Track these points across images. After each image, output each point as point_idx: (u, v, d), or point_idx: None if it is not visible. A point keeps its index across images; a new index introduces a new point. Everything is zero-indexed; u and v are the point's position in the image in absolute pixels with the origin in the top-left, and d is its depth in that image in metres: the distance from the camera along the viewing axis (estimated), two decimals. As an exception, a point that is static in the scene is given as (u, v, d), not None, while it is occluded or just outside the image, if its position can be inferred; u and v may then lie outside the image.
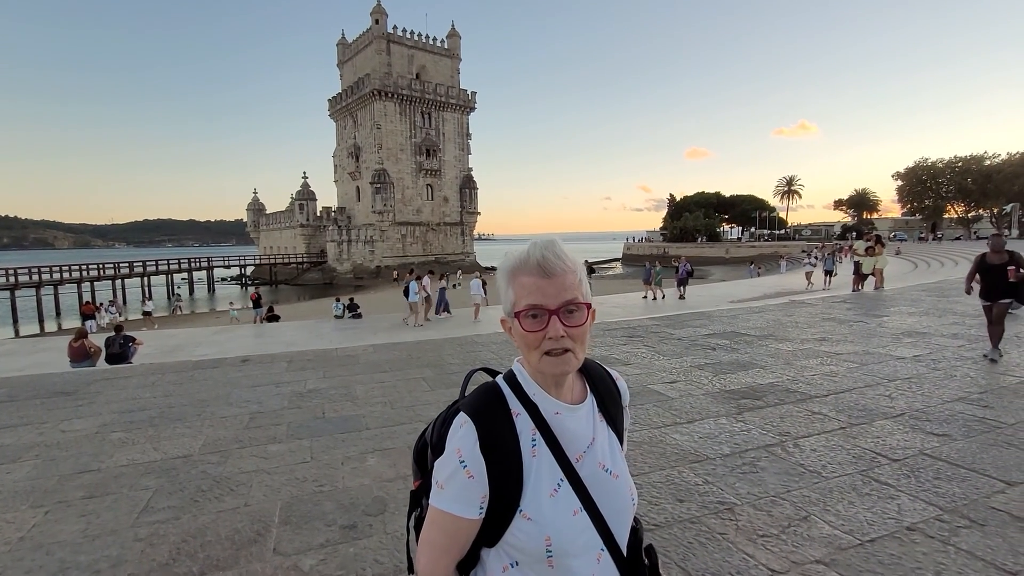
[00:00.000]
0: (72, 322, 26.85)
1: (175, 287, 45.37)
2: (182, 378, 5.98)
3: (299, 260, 57.01)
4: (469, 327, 13.45)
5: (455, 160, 59.06)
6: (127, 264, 44.84)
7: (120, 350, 10.05)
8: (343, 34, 60.89)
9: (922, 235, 62.13)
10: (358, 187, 56.80)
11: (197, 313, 35.13)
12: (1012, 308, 6.01)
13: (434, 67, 57.63)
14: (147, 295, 38.72)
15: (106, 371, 6.85)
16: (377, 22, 53.02)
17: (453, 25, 59.67)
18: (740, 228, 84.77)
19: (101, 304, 28.08)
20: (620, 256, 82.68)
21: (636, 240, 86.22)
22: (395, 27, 54.38)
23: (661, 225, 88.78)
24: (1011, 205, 53.33)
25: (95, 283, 40.35)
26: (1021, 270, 5.71)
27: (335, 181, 62.26)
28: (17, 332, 28.88)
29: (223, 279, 60.86)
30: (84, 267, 40.29)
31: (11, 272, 33.97)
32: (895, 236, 58.68)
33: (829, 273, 20.84)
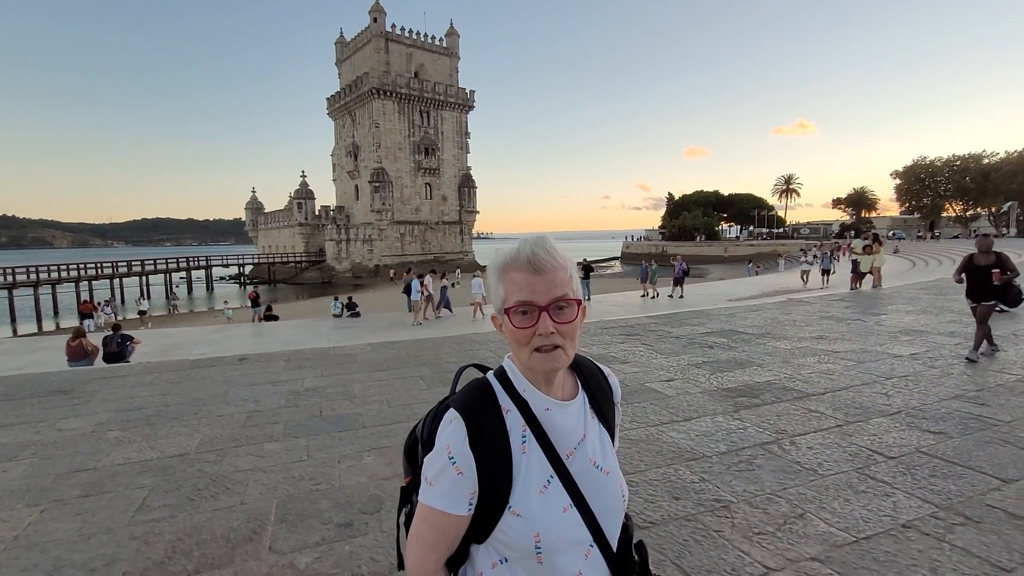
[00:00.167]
0: (70, 321, 26.78)
1: (173, 286, 45.31)
2: (179, 377, 5.98)
3: (298, 259, 56.95)
4: (468, 326, 13.46)
5: (454, 159, 59.01)
6: (125, 263, 44.76)
7: (118, 349, 10.04)
8: (341, 33, 60.78)
9: (920, 233, 62.22)
10: (357, 186, 56.75)
11: (193, 312, 35.06)
12: (997, 308, 5.95)
13: (432, 66, 57.55)
14: (144, 294, 38.67)
15: (103, 370, 6.84)
16: (376, 20, 52.93)
17: (452, 24, 59.60)
18: (739, 227, 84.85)
19: (99, 304, 28.04)
20: (619, 255, 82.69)
21: (635, 239, 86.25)
22: (393, 26, 54.30)
23: (660, 224, 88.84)
24: (1009, 203, 53.44)
25: (93, 282, 40.28)
26: (1008, 272, 5.65)
27: (334, 180, 62.19)
28: (15, 331, 28.82)
29: (222, 278, 60.77)
30: (82, 266, 40.21)
31: (9, 271, 33.89)
32: (893, 235, 58.77)
33: (827, 272, 20.86)
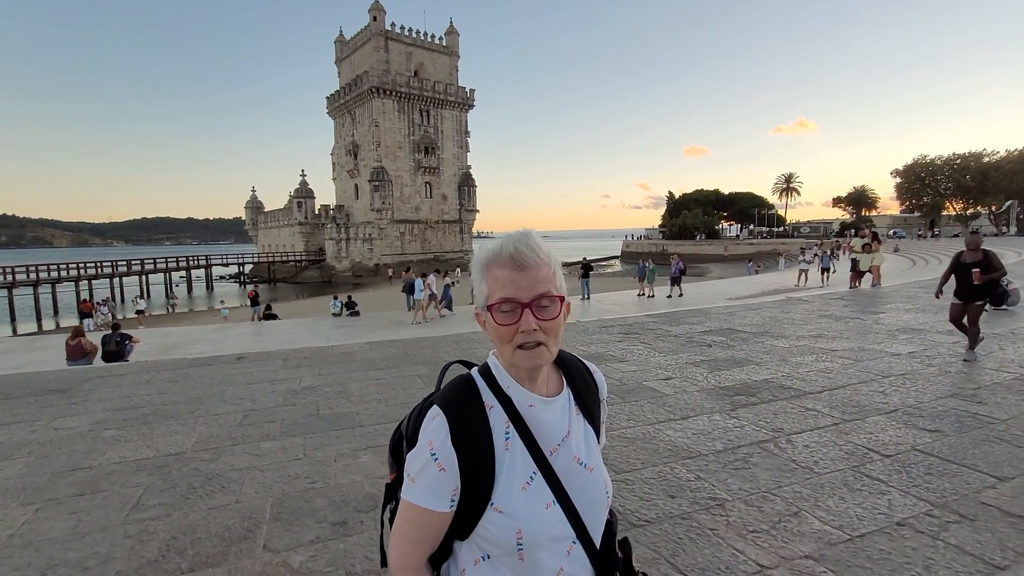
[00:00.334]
0: (70, 320, 26.79)
1: (173, 285, 45.31)
2: (177, 375, 5.97)
3: (298, 258, 56.94)
4: (467, 324, 13.44)
5: (454, 158, 58.96)
6: (125, 263, 44.77)
7: (116, 348, 10.03)
8: (341, 31, 60.69)
9: (920, 232, 62.18)
10: (356, 185, 56.70)
11: (193, 312, 35.06)
12: (986, 308, 5.85)
13: (432, 64, 57.47)
14: (144, 294, 38.67)
15: (101, 369, 6.84)
16: (375, 19, 52.84)
17: (451, 22, 59.50)
18: (739, 225, 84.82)
19: (97, 303, 28.05)
20: (619, 254, 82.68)
21: (635, 238, 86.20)
22: (393, 24, 54.20)
23: (660, 223, 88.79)
24: (1009, 202, 53.38)
25: (93, 281, 40.28)
26: (993, 272, 5.51)
27: (333, 179, 62.14)
28: (15, 331, 28.83)
29: (221, 277, 60.77)
30: (82, 266, 40.21)
31: (8, 270, 33.90)
32: (894, 233, 58.71)
33: (826, 270, 20.85)
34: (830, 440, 3.56)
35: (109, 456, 3.66)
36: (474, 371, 0.94)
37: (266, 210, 67.95)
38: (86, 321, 21.14)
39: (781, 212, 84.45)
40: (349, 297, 19.14)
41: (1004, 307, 8.35)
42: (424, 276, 15.15)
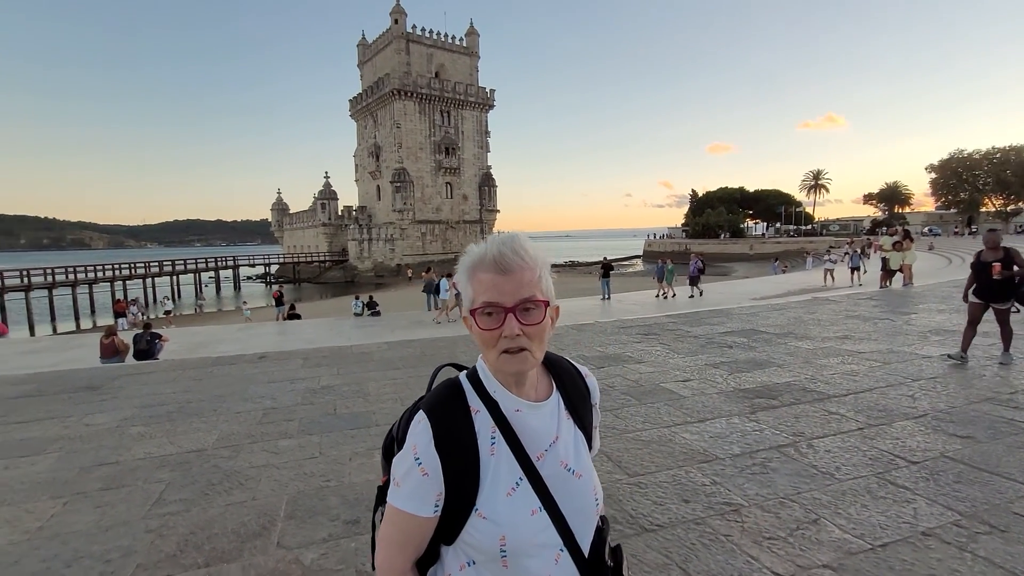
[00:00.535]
0: (106, 320, 27.79)
1: (203, 286, 46.61)
2: (201, 374, 6.14)
3: (321, 259, 57.94)
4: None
5: (474, 158, 59.19)
6: (157, 263, 46.23)
7: (147, 347, 10.37)
8: (363, 35, 61.53)
9: (957, 229, 59.85)
10: (378, 186, 57.42)
11: (221, 311, 35.98)
12: (1014, 309, 5.44)
13: (453, 65, 57.81)
14: (173, 294, 39.86)
15: (130, 367, 7.07)
16: (396, 22, 53.42)
17: (472, 23, 59.73)
18: (765, 224, 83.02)
19: (128, 302, 29.03)
20: (641, 253, 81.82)
21: (657, 237, 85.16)
22: (414, 26, 54.71)
23: (683, 221, 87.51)
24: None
25: (127, 282, 41.72)
26: (1015, 267, 5.21)
27: (356, 180, 63.04)
28: (55, 329, 30.08)
29: (248, 278, 62.23)
30: (117, 267, 41.68)
31: (49, 272, 35.35)
32: (929, 231, 56.69)
33: (856, 269, 20.22)
34: (854, 445, 3.45)
35: (134, 452, 3.78)
36: (462, 375, 0.93)
37: (291, 212, 69.34)
38: (120, 320, 21.90)
39: (809, 210, 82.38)
40: (370, 297, 19.39)
41: None
42: (450, 276, 15.32)
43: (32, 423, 4.55)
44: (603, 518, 0.97)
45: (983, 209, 63.75)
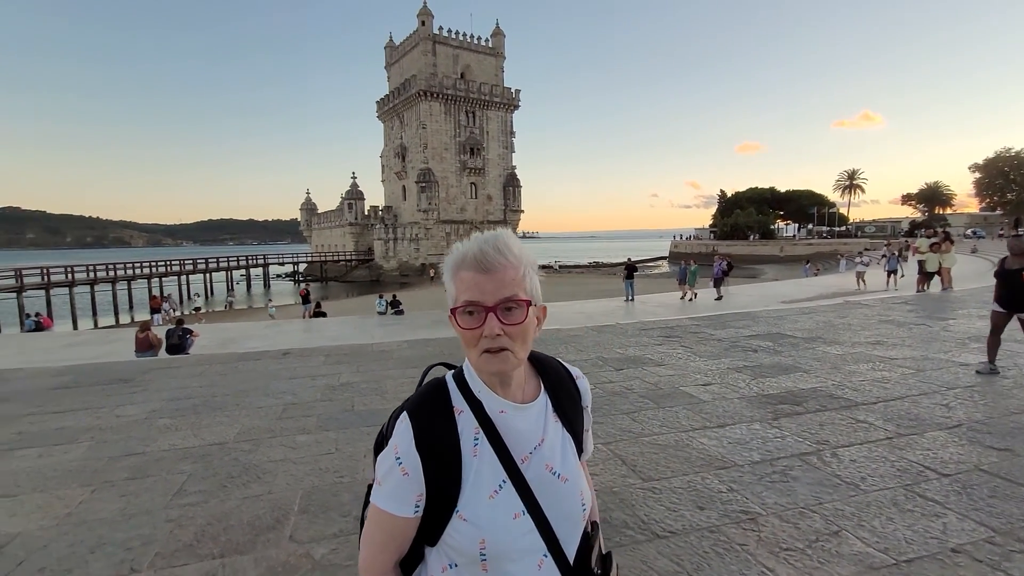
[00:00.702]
0: (144, 315, 28.85)
1: (234, 283, 48.00)
2: (227, 369, 6.30)
3: (348, 258, 58.95)
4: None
5: (499, 158, 59.31)
6: (191, 261, 47.79)
7: (179, 341, 10.72)
8: (391, 37, 62.31)
9: (1002, 231, 57.09)
10: (404, 186, 58.07)
11: (251, 308, 36.94)
12: None
13: (478, 66, 58.06)
14: (206, 291, 41.08)
15: (161, 361, 7.31)
16: (423, 24, 53.94)
17: (497, 24, 59.88)
18: (796, 225, 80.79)
19: (162, 298, 30.07)
20: (667, 255, 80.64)
21: (684, 238, 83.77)
22: (441, 28, 55.15)
23: (711, 222, 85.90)
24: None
25: (163, 279, 43.27)
26: None
27: (382, 181, 63.91)
28: (96, 323, 31.41)
29: (278, 276, 63.78)
30: (154, 264, 43.27)
31: (91, 268, 36.93)
32: (973, 233, 54.20)
33: (893, 273, 19.45)
34: (881, 455, 3.31)
35: (160, 444, 3.90)
36: (448, 374, 0.92)
37: (319, 211, 70.78)
38: (155, 316, 22.69)
39: (843, 211, 79.84)
40: (394, 296, 19.62)
41: None
42: None
43: (67, 413, 4.75)
44: (594, 524, 0.94)
45: (1032, 210, 60.64)
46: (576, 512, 0.87)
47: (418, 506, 0.81)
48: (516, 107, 59.72)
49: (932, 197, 72.46)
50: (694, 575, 2.20)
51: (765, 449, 3.46)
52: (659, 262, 75.04)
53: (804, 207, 76.09)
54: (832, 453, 3.37)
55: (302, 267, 63.82)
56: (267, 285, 54.49)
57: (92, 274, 36.65)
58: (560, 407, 0.91)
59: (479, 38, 58.50)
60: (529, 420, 0.87)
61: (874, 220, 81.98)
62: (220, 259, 52.07)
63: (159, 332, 10.93)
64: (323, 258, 60.32)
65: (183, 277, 45.39)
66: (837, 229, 72.13)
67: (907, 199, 75.93)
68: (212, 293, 45.89)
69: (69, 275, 34.74)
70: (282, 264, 62.69)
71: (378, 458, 0.86)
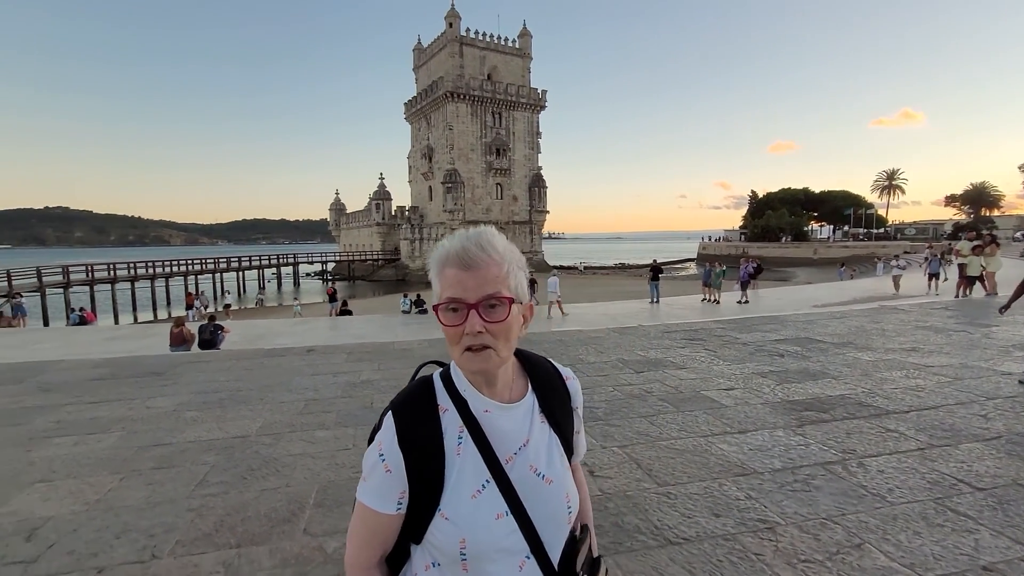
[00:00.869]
0: (179, 311, 29.93)
1: (265, 281, 49.35)
2: (253, 364, 6.47)
3: (375, 257, 59.90)
4: (532, 324, 13.47)
5: (525, 159, 59.35)
6: (225, 260, 49.34)
7: (210, 337, 11.07)
8: (419, 40, 63.06)
9: (1056, 234, 54.12)
10: (430, 187, 58.68)
11: (279, 306, 37.88)
12: None
13: (505, 67, 58.23)
14: (240, 288, 42.28)
15: (192, 355, 7.56)
16: (451, 25, 54.43)
17: (524, 24, 59.95)
18: (831, 227, 78.27)
19: (194, 295, 31.09)
20: (695, 256, 79.23)
21: (712, 239, 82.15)
22: (468, 29, 55.54)
23: (741, 223, 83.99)
24: None
25: (198, 276, 44.82)
26: None
27: (409, 181, 64.74)
28: (136, 319, 32.74)
29: (307, 274, 65.28)
30: (190, 262, 44.86)
31: (131, 266, 38.55)
32: (1023, 236, 51.55)
33: (935, 276, 18.62)
34: (911, 466, 3.17)
35: (186, 435, 4.03)
36: (436, 372, 0.91)
37: (348, 212, 72.12)
38: (189, 312, 23.50)
39: (882, 212, 76.93)
40: (418, 295, 19.84)
41: None
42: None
43: (102, 404, 4.95)
44: (584, 527, 0.93)
45: (1088, 212, 57.30)
46: (561, 514, 0.85)
47: (401, 503, 0.81)
48: (542, 108, 59.66)
49: (978, 198, 69.19)
50: (706, 583, 2.15)
51: (787, 457, 3.36)
52: (687, 264, 73.79)
53: (839, 208, 73.60)
54: (858, 463, 3.24)
55: (330, 266, 65.15)
56: (296, 284, 55.83)
57: (132, 271, 38.23)
58: (547, 408, 0.90)
59: (506, 39, 58.67)
60: (514, 420, 0.86)
61: (915, 222, 78.78)
62: (252, 258, 53.66)
63: (192, 328, 11.31)
64: (351, 257, 61.45)
65: (217, 275, 46.94)
66: (875, 231, 69.59)
67: (951, 200, 72.78)
68: (244, 291, 47.30)
69: (111, 272, 36.33)
70: (311, 263, 64.12)
71: (365, 455, 0.87)
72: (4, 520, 2.78)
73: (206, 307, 24.69)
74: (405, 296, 19.88)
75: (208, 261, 47.21)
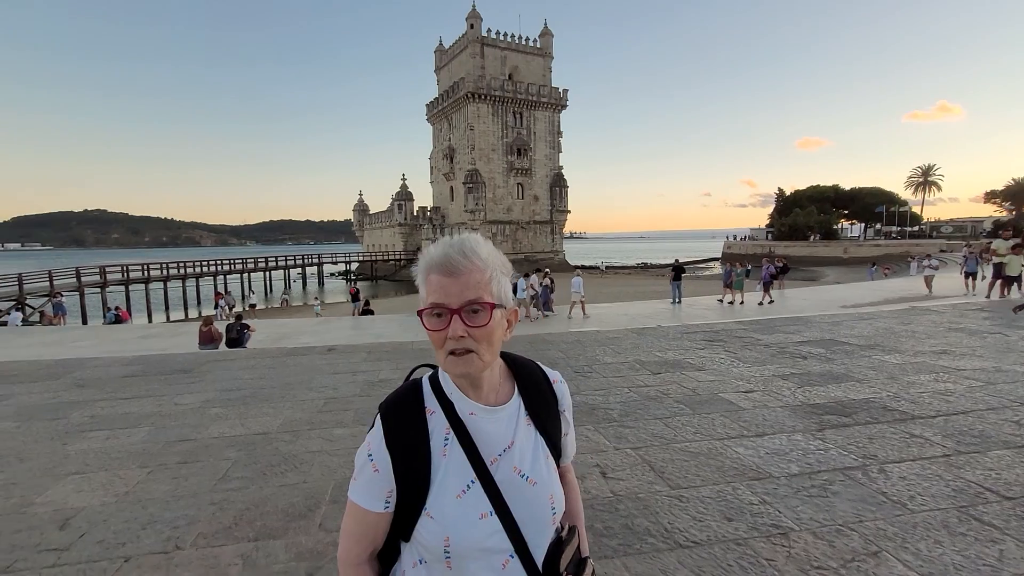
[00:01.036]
0: (209, 310, 30.80)
1: (291, 281, 50.43)
2: (276, 363, 6.64)
3: (397, 257, 60.60)
4: (549, 325, 13.47)
5: (545, 159, 59.27)
6: (253, 260, 50.60)
7: (237, 335, 11.38)
8: (441, 41, 63.54)
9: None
10: (452, 187, 59.12)
11: (304, 305, 38.62)
12: None
13: (526, 67, 58.24)
14: (267, 288, 43.29)
15: (218, 353, 7.79)
16: (472, 26, 54.70)
17: (546, 24, 59.83)
18: (862, 225, 75.88)
19: (219, 294, 31.91)
20: (719, 256, 77.87)
21: (737, 238, 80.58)
22: (489, 30, 55.72)
23: (767, 222, 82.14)
24: None
25: (227, 276, 46.08)
26: None
27: (431, 182, 65.34)
28: (168, 317, 33.84)
29: (332, 274, 66.43)
30: (218, 262, 46.14)
31: (164, 266, 39.86)
32: (1067, 233, 49.18)
33: (972, 276, 17.90)
34: (935, 473, 3.08)
35: (211, 431, 4.17)
36: (426, 375, 0.94)
37: (371, 212, 73.15)
38: (216, 310, 24.16)
39: (916, 209, 74.33)
40: (439, 295, 20.00)
41: None
42: (527, 276, 15.82)
43: (133, 400, 5.15)
44: (571, 528, 0.94)
45: None
46: (544, 515, 0.87)
47: (388, 502, 0.84)
48: (564, 107, 59.48)
49: (1020, 194, 66.19)
50: (715, 588, 2.14)
51: (805, 461, 3.30)
52: (710, 264, 72.58)
53: (871, 206, 71.34)
54: (879, 469, 3.16)
55: (354, 266, 66.13)
56: (321, 284, 56.87)
57: (165, 271, 39.52)
58: (533, 411, 0.92)
59: (527, 39, 58.66)
60: (500, 423, 0.88)
61: (951, 219, 75.83)
62: (279, 258, 54.88)
63: (220, 327, 11.64)
64: (374, 257, 62.30)
65: (245, 275, 48.20)
66: (909, 229, 67.26)
67: (990, 197, 69.78)
68: (271, 290, 48.43)
69: (145, 272, 37.62)
70: (335, 263, 65.23)
71: (356, 453, 0.90)
72: (41, 510, 2.93)
73: (232, 307, 25.35)
74: (426, 296, 20.09)
75: (236, 261, 48.50)
